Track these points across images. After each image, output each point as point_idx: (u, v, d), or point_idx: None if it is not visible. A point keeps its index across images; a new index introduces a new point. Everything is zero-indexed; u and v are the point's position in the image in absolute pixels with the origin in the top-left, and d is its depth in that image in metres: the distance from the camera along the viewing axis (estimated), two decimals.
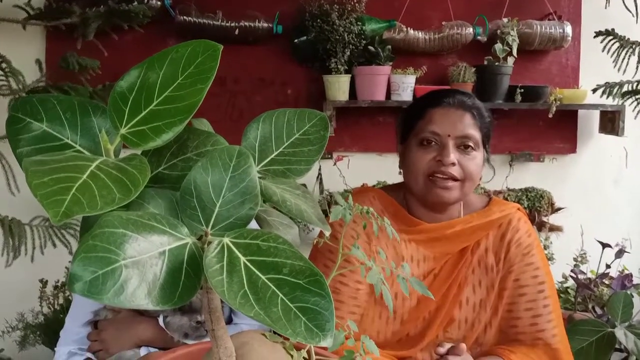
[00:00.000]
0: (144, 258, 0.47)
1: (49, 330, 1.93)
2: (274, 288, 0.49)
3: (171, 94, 0.58)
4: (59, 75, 2.07)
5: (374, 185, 2.30)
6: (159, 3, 2.26)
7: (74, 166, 0.51)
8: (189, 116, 0.57)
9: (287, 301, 0.48)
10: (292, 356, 0.70)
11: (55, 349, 1.33)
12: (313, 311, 0.48)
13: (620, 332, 1.34)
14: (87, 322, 1.30)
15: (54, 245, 1.91)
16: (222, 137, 0.66)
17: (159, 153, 0.61)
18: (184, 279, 0.49)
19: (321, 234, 1.17)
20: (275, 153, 0.71)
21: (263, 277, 0.49)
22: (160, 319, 1.23)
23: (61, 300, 2.07)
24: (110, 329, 1.26)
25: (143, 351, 1.24)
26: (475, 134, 1.18)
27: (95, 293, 0.43)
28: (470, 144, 1.18)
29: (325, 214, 1.95)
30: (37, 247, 1.85)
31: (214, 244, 0.51)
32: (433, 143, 1.18)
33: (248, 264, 0.50)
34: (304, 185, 2.44)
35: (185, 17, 2.27)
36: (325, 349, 0.64)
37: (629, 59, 1.94)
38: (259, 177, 0.68)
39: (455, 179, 1.16)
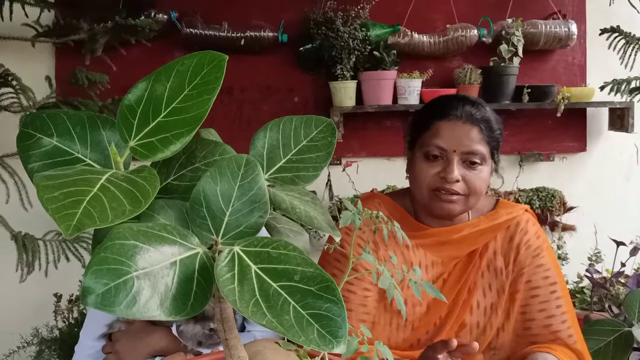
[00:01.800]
0: (156, 269, 0.47)
1: (64, 344, 1.94)
2: (286, 295, 0.49)
3: (178, 105, 0.59)
4: (69, 91, 2.10)
5: (383, 190, 2.29)
6: (165, 17, 2.29)
7: (85, 180, 0.52)
8: (197, 127, 0.57)
9: (299, 308, 0.48)
10: None
11: None
12: (325, 318, 0.48)
13: (637, 331, 1.32)
14: (101, 335, 1.31)
15: (67, 259, 1.92)
16: (231, 146, 0.66)
17: (168, 164, 0.62)
18: (196, 288, 0.49)
19: (330, 240, 1.17)
20: (284, 160, 0.71)
21: (274, 285, 0.49)
22: (174, 328, 1.24)
23: (76, 314, 2.08)
24: (124, 340, 1.26)
25: None
26: (482, 148, 1.15)
27: (108, 305, 0.43)
28: (477, 160, 1.15)
29: (335, 219, 1.95)
30: (50, 261, 1.87)
31: (225, 253, 0.51)
32: (439, 157, 1.16)
33: (259, 272, 0.50)
34: (314, 192, 2.44)
35: (191, 30, 2.29)
36: (339, 355, 0.64)
37: (635, 55, 1.93)
38: (268, 185, 0.68)
39: (459, 194, 1.15)
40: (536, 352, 1.13)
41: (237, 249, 0.52)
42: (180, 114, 0.58)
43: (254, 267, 0.50)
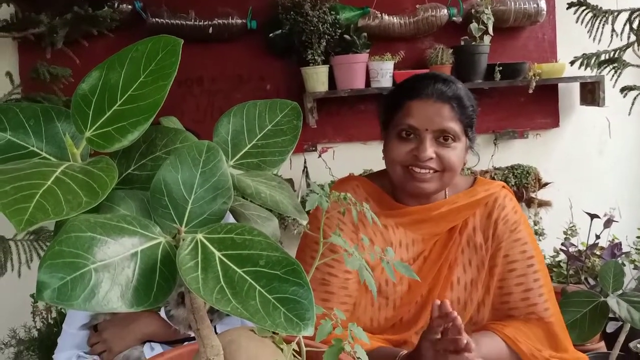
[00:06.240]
0: (115, 261, 0.46)
1: (42, 345, 1.91)
2: (251, 281, 0.48)
3: (134, 93, 0.57)
4: (33, 86, 2.04)
5: (360, 174, 2.29)
6: (129, 7, 2.23)
7: (38, 173, 0.50)
8: (154, 114, 0.56)
9: (265, 293, 0.47)
10: (282, 350, 0.69)
11: (52, 357, 1.31)
12: (292, 301, 0.47)
13: (612, 301, 1.34)
14: (84, 325, 1.29)
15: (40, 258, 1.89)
16: (204, 138, 0.65)
17: (128, 154, 0.60)
18: (159, 279, 0.48)
19: (311, 223, 1.17)
20: (249, 146, 0.70)
21: (239, 271, 0.48)
22: (162, 312, 1.22)
23: (54, 314, 2.05)
24: (111, 328, 1.25)
25: (147, 349, 1.23)
26: (454, 126, 1.15)
27: (65, 300, 0.42)
28: (450, 136, 1.15)
29: None
30: (23, 262, 1.83)
31: (187, 241, 0.50)
32: (412, 135, 1.16)
33: (223, 258, 0.49)
34: (291, 179, 2.43)
35: (157, 19, 2.24)
36: (312, 338, 0.63)
37: (603, 28, 1.94)
38: (237, 171, 0.67)
39: (434, 170, 1.15)
40: (483, 331, 1.15)
41: (200, 236, 0.51)
42: (136, 101, 0.56)
43: (217, 253, 0.49)
